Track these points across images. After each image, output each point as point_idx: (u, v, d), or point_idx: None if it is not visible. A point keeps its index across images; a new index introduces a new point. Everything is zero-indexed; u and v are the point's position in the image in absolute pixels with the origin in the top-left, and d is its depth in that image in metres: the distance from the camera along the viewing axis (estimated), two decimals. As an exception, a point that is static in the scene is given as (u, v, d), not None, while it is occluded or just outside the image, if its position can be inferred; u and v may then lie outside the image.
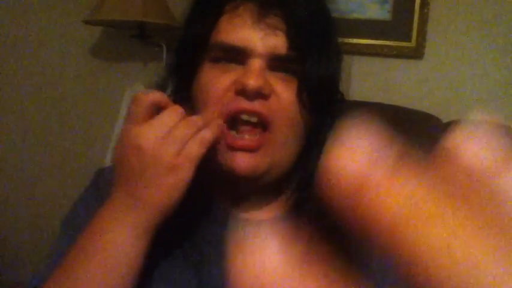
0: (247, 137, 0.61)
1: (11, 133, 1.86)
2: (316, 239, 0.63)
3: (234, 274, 0.56)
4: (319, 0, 0.66)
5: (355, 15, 1.49)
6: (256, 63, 0.60)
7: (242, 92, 0.59)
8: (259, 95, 0.59)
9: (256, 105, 0.60)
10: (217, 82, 0.62)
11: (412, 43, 1.51)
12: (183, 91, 0.67)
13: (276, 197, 0.70)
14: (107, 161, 1.65)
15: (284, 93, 0.61)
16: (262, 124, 0.61)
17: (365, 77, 1.49)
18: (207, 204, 0.68)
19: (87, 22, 1.60)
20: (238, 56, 0.61)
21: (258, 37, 0.60)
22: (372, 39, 1.51)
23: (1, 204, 1.88)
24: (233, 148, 0.60)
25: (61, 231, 0.69)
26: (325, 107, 0.65)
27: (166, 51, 1.62)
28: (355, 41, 1.44)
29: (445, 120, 1.29)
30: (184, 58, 0.68)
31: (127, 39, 1.67)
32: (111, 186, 0.59)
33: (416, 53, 1.51)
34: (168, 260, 0.63)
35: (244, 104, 0.60)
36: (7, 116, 1.86)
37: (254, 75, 0.59)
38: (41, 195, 1.87)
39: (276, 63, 0.62)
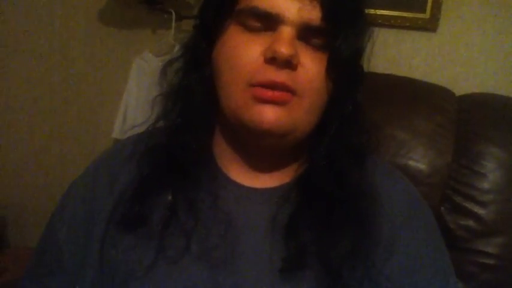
0: (276, 92, 0.60)
1: (17, 100, 1.85)
2: (306, 213, 0.63)
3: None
4: None
5: (370, -15, 1.46)
6: (287, 31, 0.59)
7: (272, 60, 0.59)
8: (288, 64, 0.59)
9: (284, 76, 0.59)
10: (246, 49, 0.61)
11: (427, 15, 1.48)
12: (204, 53, 0.66)
13: (288, 163, 0.69)
14: (114, 133, 1.64)
15: (311, 66, 0.61)
16: (289, 90, 0.60)
17: (377, 49, 1.46)
18: (213, 176, 0.67)
19: (95, -13, 1.58)
20: (269, 22, 0.60)
21: (294, 6, 0.59)
22: (385, 9, 1.48)
23: (11, 172, 1.89)
24: (262, 100, 0.60)
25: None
26: (348, 80, 0.65)
27: (175, 18, 1.59)
28: (369, 11, 1.41)
29: (458, 94, 1.27)
30: (208, 19, 0.66)
31: (135, 6, 1.64)
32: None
33: (431, 25, 1.48)
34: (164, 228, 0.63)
35: (272, 75, 0.59)
36: (14, 83, 1.85)
37: (286, 43, 0.58)
38: (49, 162, 1.87)
39: (306, 33, 0.61)
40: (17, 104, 1.86)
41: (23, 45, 1.81)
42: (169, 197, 0.65)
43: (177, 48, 1.41)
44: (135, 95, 1.62)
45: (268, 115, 0.59)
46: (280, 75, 0.59)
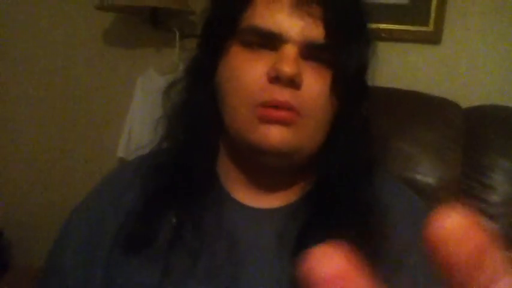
0: (282, 112, 0.59)
1: (22, 120, 1.86)
2: (313, 231, 0.62)
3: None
4: None
5: (373, 0, 1.46)
6: (291, 50, 0.59)
7: (276, 79, 0.58)
8: (292, 83, 0.58)
9: (288, 95, 0.58)
10: (249, 69, 0.60)
11: (430, 27, 1.48)
12: (207, 73, 0.66)
13: (294, 182, 0.69)
14: (119, 151, 1.64)
15: (315, 84, 0.60)
16: (294, 109, 0.60)
17: (382, 63, 1.45)
18: (218, 197, 0.67)
19: (98, 8, 1.59)
20: (271, 41, 0.60)
21: (297, 25, 0.59)
22: (389, 23, 1.48)
23: (14, 191, 1.89)
24: (268, 121, 0.59)
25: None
26: (353, 96, 0.64)
27: (179, 37, 1.60)
28: (372, 26, 1.41)
29: (463, 106, 1.26)
30: (211, 39, 0.66)
31: (139, 25, 1.65)
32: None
33: (434, 38, 1.48)
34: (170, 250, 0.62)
35: (277, 94, 0.58)
36: (18, 103, 1.86)
37: (289, 62, 0.58)
38: (53, 182, 1.87)
39: (309, 51, 0.60)
40: (22, 123, 1.86)
41: (28, 65, 1.83)
42: (174, 220, 0.64)
43: (181, 67, 1.41)
44: (139, 114, 1.62)
45: (274, 135, 0.59)
46: (284, 95, 0.58)
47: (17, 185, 1.89)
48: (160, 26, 1.62)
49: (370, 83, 0.68)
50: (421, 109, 1.20)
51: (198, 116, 0.67)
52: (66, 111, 1.84)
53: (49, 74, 1.82)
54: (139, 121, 1.62)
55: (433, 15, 1.47)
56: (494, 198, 1.07)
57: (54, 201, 1.84)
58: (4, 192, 1.89)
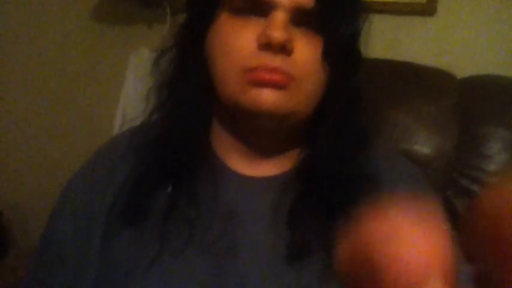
0: (275, 75, 0.58)
1: (15, 102, 1.84)
2: (309, 199, 0.62)
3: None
4: None
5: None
6: (280, 16, 0.58)
7: (266, 45, 0.57)
8: (283, 49, 0.57)
9: (279, 61, 0.58)
10: (238, 35, 0.59)
11: (424, -1, 1.46)
12: (197, 43, 0.65)
13: (289, 150, 0.68)
14: (115, 127, 1.63)
15: (307, 51, 0.60)
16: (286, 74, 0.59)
17: (376, 35, 1.44)
18: (213, 166, 0.66)
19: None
20: (261, 7, 0.59)
21: None
22: (383, -5, 1.46)
23: (10, 171, 1.88)
24: (260, 84, 0.58)
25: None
26: (345, 64, 0.63)
27: (171, 12, 1.58)
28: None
29: (459, 77, 1.25)
30: (199, 7, 0.65)
31: (129, 1, 1.62)
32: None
33: (429, 9, 1.46)
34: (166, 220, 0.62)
35: (268, 60, 0.58)
36: (9, 85, 1.83)
37: (279, 27, 0.57)
38: (49, 161, 1.86)
39: (299, 17, 0.59)
40: (16, 104, 1.84)
41: (17, 46, 1.80)
42: (169, 189, 0.63)
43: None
44: (132, 92, 1.61)
45: (267, 97, 0.58)
46: (275, 61, 0.58)
47: (15, 165, 1.88)
48: (151, 2, 1.60)
49: (364, 55, 0.68)
50: (416, 80, 1.20)
51: (189, 86, 0.67)
52: (59, 92, 1.82)
53: (40, 55, 1.80)
54: (133, 99, 1.60)
55: (427, -14, 1.45)
56: (492, 167, 1.07)
57: (53, 180, 1.83)
58: (2, 172, 1.88)
